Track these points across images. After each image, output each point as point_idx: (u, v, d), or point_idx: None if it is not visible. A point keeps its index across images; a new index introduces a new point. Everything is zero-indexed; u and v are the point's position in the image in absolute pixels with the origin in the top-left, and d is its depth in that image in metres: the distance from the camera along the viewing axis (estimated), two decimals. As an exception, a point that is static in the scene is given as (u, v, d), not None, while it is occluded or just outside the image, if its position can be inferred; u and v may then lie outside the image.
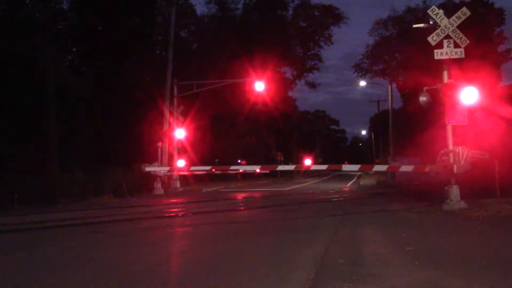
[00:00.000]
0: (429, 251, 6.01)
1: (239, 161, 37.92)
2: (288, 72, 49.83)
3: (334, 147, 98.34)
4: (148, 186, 20.14)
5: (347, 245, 6.66)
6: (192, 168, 22.40)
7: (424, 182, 19.84)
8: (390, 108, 34.93)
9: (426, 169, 12.65)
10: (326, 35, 47.00)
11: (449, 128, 10.94)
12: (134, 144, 21.85)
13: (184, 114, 24.23)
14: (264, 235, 7.86)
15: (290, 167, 26.70)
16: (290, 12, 44.13)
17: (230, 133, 37.30)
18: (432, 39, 10.87)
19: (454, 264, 5.23)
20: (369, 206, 12.48)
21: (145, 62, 25.40)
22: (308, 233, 8.01)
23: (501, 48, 32.39)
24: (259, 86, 25.05)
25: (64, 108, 20.05)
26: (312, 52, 48.87)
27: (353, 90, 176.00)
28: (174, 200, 16.87)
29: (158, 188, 20.13)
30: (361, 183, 34.18)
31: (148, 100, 22.41)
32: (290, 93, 52.73)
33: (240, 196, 19.05)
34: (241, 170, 26.68)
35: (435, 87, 11.13)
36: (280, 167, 25.21)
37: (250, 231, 8.53)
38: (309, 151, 63.75)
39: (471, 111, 11.30)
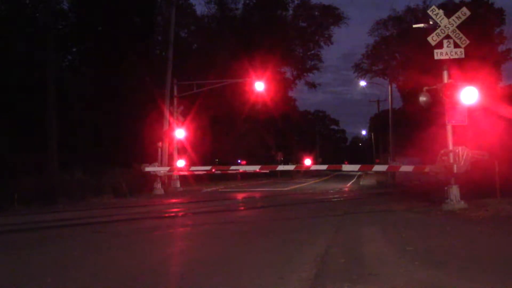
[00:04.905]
0: (429, 251, 6.01)
1: (239, 161, 37.92)
2: (288, 72, 49.84)
3: (334, 147, 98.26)
4: (148, 186, 20.13)
5: (347, 245, 6.66)
6: (192, 168, 22.40)
7: (424, 182, 19.82)
8: (390, 108, 34.93)
9: (426, 169, 12.64)
10: (326, 35, 46.99)
11: (449, 128, 10.94)
12: (134, 144, 21.86)
13: (184, 114, 24.23)
14: (264, 235, 7.86)
15: (290, 167, 26.72)
16: (290, 12, 44.15)
17: (230, 133, 37.29)
18: (432, 39, 10.87)
19: (454, 264, 5.22)
20: (369, 206, 12.48)
21: (145, 62, 25.40)
22: (308, 233, 8.01)
23: (501, 48, 32.37)
24: (259, 86, 25.08)
25: (64, 108, 20.07)
26: (312, 52, 48.89)
27: (352, 90, 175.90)
28: (174, 200, 16.87)
29: (158, 188, 20.12)
30: (361, 183, 34.17)
31: (148, 100, 22.43)
32: (290, 93, 52.76)
33: (240, 196, 19.05)
34: (241, 170, 26.66)
35: (435, 87, 11.13)
36: (280, 167, 25.26)
37: (250, 231, 8.53)
38: (309, 151, 63.77)
39: (471, 111, 11.29)
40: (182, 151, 23.99)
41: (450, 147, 10.96)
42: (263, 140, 44.68)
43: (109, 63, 23.44)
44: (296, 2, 43.43)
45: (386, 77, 36.91)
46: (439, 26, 10.84)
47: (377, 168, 21.63)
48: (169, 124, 22.92)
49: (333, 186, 28.97)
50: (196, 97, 26.13)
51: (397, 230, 7.87)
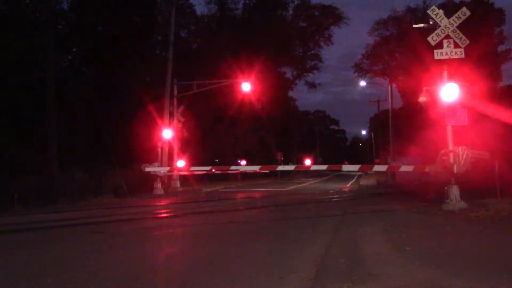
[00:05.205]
0: (429, 251, 6.01)
1: (239, 161, 37.91)
2: (288, 72, 49.90)
3: (334, 147, 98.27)
4: (148, 186, 20.14)
5: (347, 245, 6.66)
6: (192, 168, 22.39)
7: (424, 182, 19.82)
8: (390, 108, 34.91)
9: (426, 169, 12.64)
10: (326, 35, 47.05)
11: (449, 128, 10.93)
12: (134, 144, 21.82)
13: (184, 114, 24.22)
14: (264, 235, 7.86)
15: (290, 167, 26.70)
16: (290, 12, 44.21)
17: (230, 133, 37.29)
18: (432, 39, 10.87)
19: (454, 264, 5.23)
20: (369, 206, 12.48)
21: (145, 62, 25.38)
22: (308, 233, 8.02)
23: (501, 48, 32.42)
24: (259, 86, 25.07)
25: (64, 108, 20.05)
26: (312, 52, 48.95)
27: (351, 90, 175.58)
28: (174, 200, 16.87)
29: (158, 188, 20.13)
30: (361, 183, 34.15)
31: (148, 100, 22.39)
32: (290, 93, 52.83)
33: (240, 196, 19.05)
34: (241, 170, 26.67)
35: (435, 87, 11.13)
36: (280, 167, 25.26)
37: (250, 231, 8.53)
38: (309, 151, 63.78)
39: (471, 111, 11.28)
40: (182, 151, 23.98)
41: (450, 147, 10.96)
42: (263, 140, 44.66)
43: (109, 63, 23.42)
44: (296, 2, 43.53)
45: (386, 77, 36.85)
46: (439, 26, 10.85)
47: (377, 168, 21.63)
48: (169, 124, 22.91)
49: (333, 186, 28.97)
50: (196, 97, 26.11)
51: (397, 230, 7.87)
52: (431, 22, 11.11)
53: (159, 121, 22.61)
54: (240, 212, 12.45)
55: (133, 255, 6.41)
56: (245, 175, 35.07)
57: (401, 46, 33.92)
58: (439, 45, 10.89)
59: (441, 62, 11.01)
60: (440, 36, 10.82)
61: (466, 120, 10.74)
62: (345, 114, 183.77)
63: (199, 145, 28.47)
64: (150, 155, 21.56)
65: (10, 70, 20.73)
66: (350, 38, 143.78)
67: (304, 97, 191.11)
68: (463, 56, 10.89)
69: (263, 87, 30.55)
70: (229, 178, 33.17)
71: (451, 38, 10.80)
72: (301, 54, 48.79)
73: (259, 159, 38.10)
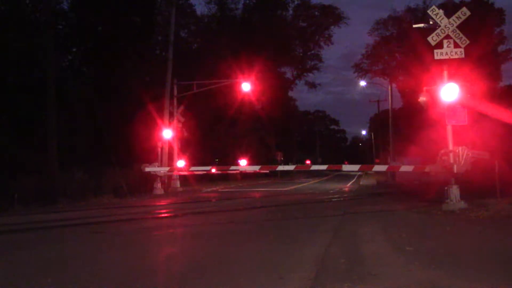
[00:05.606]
0: (429, 251, 6.01)
1: (239, 161, 37.89)
2: (288, 72, 49.91)
3: (334, 147, 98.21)
4: (148, 186, 20.14)
5: (347, 245, 6.66)
6: (192, 168, 22.39)
7: (424, 182, 19.83)
8: (390, 108, 34.92)
9: (426, 169, 12.64)
10: (326, 35, 47.05)
11: (449, 128, 10.93)
12: (134, 144, 21.84)
13: (184, 114, 24.22)
14: (264, 235, 7.86)
15: (290, 167, 26.71)
16: (290, 12, 44.22)
17: (230, 133, 37.28)
18: (432, 39, 10.87)
19: (454, 264, 5.23)
20: (369, 206, 12.48)
21: (145, 62, 25.39)
22: (308, 233, 8.02)
23: (501, 48, 32.42)
24: (259, 86, 25.07)
25: (64, 108, 20.05)
26: (312, 52, 48.96)
27: (351, 90, 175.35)
28: (174, 200, 16.87)
29: (158, 188, 20.14)
30: (361, 183, 34.13)
31: (148, 100, 22.41)
32: (290, 93, 52.83)
33: (240, 196, 19.04)
34: (241, 170, 26.64)
35: (435, 87, 11.13)
36: (280, 167, 25.27)
37: (250, 231, 8.54)
38: (309, 151, 63.75)
39: (472, 111, 11.28)
40: (182, 151, 23.98)
41: (450, 147, 10.95)
42: (263, 140, 44.66)
43: (109, 63, 23.42)
44: (296, 2, 43.52)
45: (386, 77, 36.86)
46: (439, 26, 10.85)
47: (377, 168, 21.63)
48: (169, 124, 22.92)
49: (333, 186, 28.96)
50: (196, 97, 26.12)
51: (397, 230, 7.87)
52: (431, 22, 11.11)
53: (159, 121, 22.61)
54: (240, 212, 12.45)
55: (133, 255, 6.41)
56: (245, 175, 35.04)
57: (401, 46, 33.93)
58: (439, 45, 10.88)
59: (441, 62, 11.01)
60: (440, 36, 10.82)
61: (466, 120, 10.73)
62: (345, 114, 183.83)
63: (199, 145, 28.46)
64: (150, 155, 21.57)
65: (10, 70, 20.74)
66: (350, 38, 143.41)
67: (304, 97, 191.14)
68: (463, 56, 10.89)
69: (263, 87, 30.55)
70: (229, 178, 33.13)
71: (451, 38, 10.80)
72: (301, 54, 48.80)
73: (259, 159, 38.09)
